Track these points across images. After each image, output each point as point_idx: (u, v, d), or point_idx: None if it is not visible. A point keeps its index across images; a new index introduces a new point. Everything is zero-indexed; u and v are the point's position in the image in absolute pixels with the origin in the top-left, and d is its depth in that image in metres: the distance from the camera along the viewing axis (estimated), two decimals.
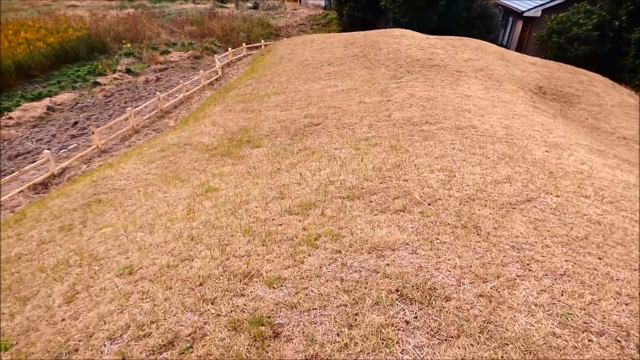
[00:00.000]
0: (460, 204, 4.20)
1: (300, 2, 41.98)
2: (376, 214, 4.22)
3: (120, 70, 21.11)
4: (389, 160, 6.01)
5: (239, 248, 3.94)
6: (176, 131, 12.11)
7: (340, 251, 3.56)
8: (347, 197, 4.82)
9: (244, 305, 2.99)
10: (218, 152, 9.18)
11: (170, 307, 3.12)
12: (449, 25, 19.91)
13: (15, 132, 14.34)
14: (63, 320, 3.38)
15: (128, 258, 4.36)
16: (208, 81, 19.29)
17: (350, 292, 2.96)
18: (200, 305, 3.07)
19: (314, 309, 2.85)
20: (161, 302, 3.23)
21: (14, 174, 10.50)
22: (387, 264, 3.26)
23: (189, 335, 2.76)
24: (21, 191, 10.06)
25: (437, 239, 3.59)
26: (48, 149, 12.43)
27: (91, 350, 2.82)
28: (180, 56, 24.54)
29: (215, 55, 23.97)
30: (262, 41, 25.23)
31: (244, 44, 24.89)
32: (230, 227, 4.53)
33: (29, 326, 3.48)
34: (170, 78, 20.96)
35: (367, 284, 3.03)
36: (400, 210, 4.20)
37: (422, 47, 14.47)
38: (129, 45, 24.27)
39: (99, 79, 19.83)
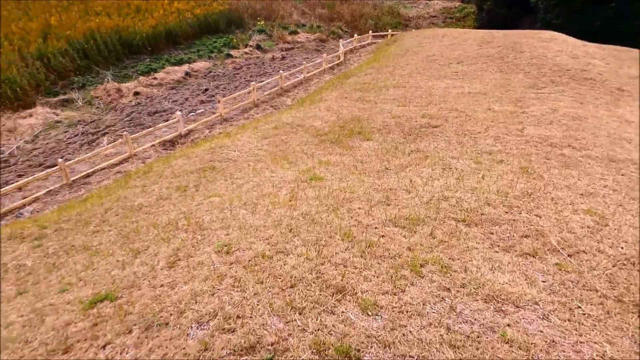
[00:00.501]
0: (614, 266, 3.34)
1: None
2: (497, 252, 3.58)
3: (251, 46, 22.42)
4: (518, 185, 5.17)
5: (336, 254, 3.68)
6: (292, 111, 12.37)
7: (449, 289, 3.06)
8: (462, 220, 4.23)
9: (333, 326, 2.72)
10: (328, 138, 9.07)
11: (257, 305, 3.00)
12: (617, 31, 16.83)
13: (157, 91, 16.14)
14: (162, 286, 3.51)
15: (228, 235, 4.42)
16: (329, 65, 19.42)
17: (458, 348, 2.49)
18: (287, 312, 2.89)
19: (410, 356, 2.45)
20: (251, 295, 3.13)
21: (149, 128, 11.82)
22: (508, 324, 2.68)
23: (272, 345, 2.59)
24: (153, 145, 11.26)
25: (579, 307, 2.87)
26: (180, 111, 13.74)
27: (179, 329, 2.83)
28: (307, 38, 25.15)
29: (340, 40, 24.03)
30: (389, 30, 24.52)
31: (370, 31, 24.48)
32: (330, 226, 4.31)
33: (134, 282, 3.70)
34: (295, 58, 21.62)
35: (479, 343, 2.52)
36: (529, 255, 3.50)
37: (575, 55, 12.45)
38: (262, 22, 25.63)
39: (232, 52, 21.31)
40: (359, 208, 4.82)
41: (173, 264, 3.92)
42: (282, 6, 29.19)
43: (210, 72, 18.79)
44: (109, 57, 17.87)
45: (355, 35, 23.22)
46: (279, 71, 17.32)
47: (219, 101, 13.54)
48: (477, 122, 8.62)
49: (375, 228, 4.23)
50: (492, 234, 3.91)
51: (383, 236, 4.03)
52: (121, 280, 3.83)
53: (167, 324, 2.88)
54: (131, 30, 19.10)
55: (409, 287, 3.10)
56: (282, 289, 3.18)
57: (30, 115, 12.91)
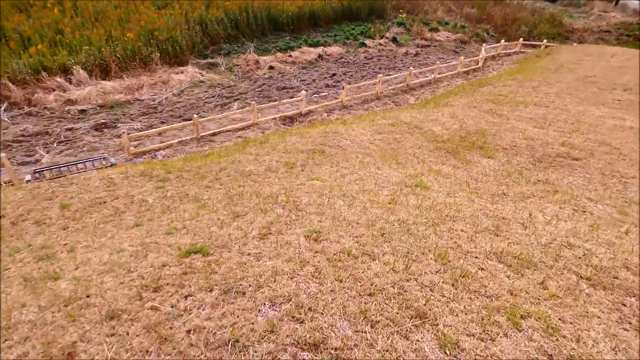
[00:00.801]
0: None
1: (616, 3, 34.24)
2: (627, 330, 2.90)
3: (387, 37, 22.12)
4: None
5: (425, 274, 3.38)
6: (412, 110, 11.90)
7: (551, 356, 2.57)
8: (587, 278, 3.53)
9: (403, 352, 2.49)
10: (444, 146, 8.50)
11: (331, 303, 2.90)
12: None
13: (289, 68, 16.96)
14: (249, 254, 3.64)
15: (320, 222, 4.41)
16: (464, 69, 18.18)
17: None
18: (359, 321, 2.74)
19: None
20: (327, 291, 3.05)
21: (275, 102, 12.51)
22: None
23: (335, 350, 2.48)
24: (274, 118, 11.92)
25: None
26: (305, 90, 14.26)
27: (253, 302, 2.89)
28: (447, 37, 23.87)
29: (484, 44, 22.27)
30: (544, 41, 21.90)
31: (521, 39, 22.19)
32: (425, 242, 3.99)
33: (226, 244, 3.91)
34: (429, 56, 20.73)
35: None
36: None
37: None
38: (404, 15, 25.04)
39: (367, 41, 21.30)
40: (462, 230, 4.38)
41: (264, 237, 4.04)
42: (428, 1, 28.12)
43: (342, 58, 19.08)
44: (255, 31, 19.31)
45: (502, 41, 21.27)
46: (409, 67, 16.80)
47: (343, 87, 13.68)
48: (632, 164, 7.21)
49: (476, 258, 3.79)
50: (625, 305, 3.19)
51: (483, 269, 3.59)
52: (216, 238, 4.08)
53: (244, 293, 2.96)
54: (280, 8, 20.32)
55: (501, 337, 2.69)
56: (360, 294, 3.03)
57: (182, 72, 14.67)
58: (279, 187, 5.94)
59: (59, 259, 4.09)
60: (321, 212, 4.71)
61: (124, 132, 9.02)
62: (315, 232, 4.06)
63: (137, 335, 2.50)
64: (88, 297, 3.02)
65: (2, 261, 4.38)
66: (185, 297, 2.90)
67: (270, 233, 4.14)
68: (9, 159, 9.06)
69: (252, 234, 4.13)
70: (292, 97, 13.90)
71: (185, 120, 11.63)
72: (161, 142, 10.11)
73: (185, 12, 17.44)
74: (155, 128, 10.97)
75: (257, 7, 19.40)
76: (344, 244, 3.80)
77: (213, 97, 13.49)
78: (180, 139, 10.18)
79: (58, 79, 12.42)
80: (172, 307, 2.79)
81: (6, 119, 11.04)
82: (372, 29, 22.66)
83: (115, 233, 4.73)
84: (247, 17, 18.81)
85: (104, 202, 5.83)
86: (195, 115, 10.13)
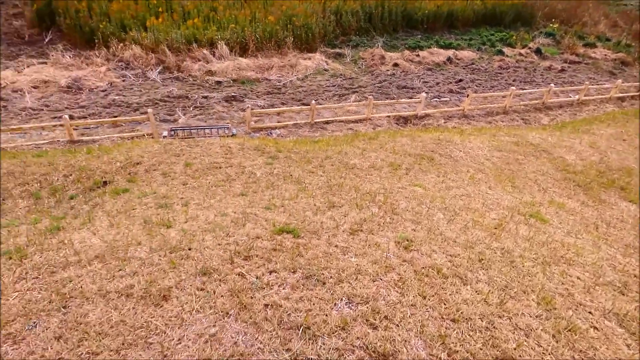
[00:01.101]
0: None
1: None
2: None
3: (529, 48, 20.04)
4: None
5: (522, 315, 3.00)
6: (543, 132, 10.65)
7: None
8: None
9: None
10: (575, 178, 7.45)
11: (409, 317, 2.75)
12: None
13: (414, 68, 16.49)
14: (336, 246, 3.65)
15: (415, 231, 4.21)
16: (619, 94, 15.61)
17: None
18: (436, 345, 2.55)
19: None
20: (407, 303, 2.90)
21: (392, 100, 12.31)
22: None
23: None
24: (388, 116, 11.74)
25: None
26: (426, 93, 13.74)
27: (331, 295, 2.88)
28: (605, 55, 20.70)
29: None
30: None
31: None
32: (530, 280, 3.54)
33: (317, 231, 3.98)
34: (576, 74, 18.26)
35: None
36: None
37: None
38: (555, 25, 22.35)
39: (505, 49, 19.58)
40: (579, 278, 3.79)
41: (354, 232, 4.01)
42: (589, 12, 24.65)
43: (473, 64, 17.89)
44: (387, 26, 19.15)
45: None
46: (549, 84, 15.02)
47: (467, 95, 12.84)
48: None
49: (590, 313, 3.24)
50: None
51: (596, 328, 3.05)
52: (309, 223, 4.18)
53: (324, 283, 2.98)
54: (417, 5, 19.79)
55: None
56: (442, 317, 2.81)
57: (309, 59, 15.29)
58: (379, 186, 5.84)
59: (174, 210, 4.61)
60: (417, 221, 4.50)
61: (248, 107, 9.77)
62: (407, 240, 3.89)
63: (221, 296, 2.70)
64: (189, 249, 3.34)
65: (131, 201, 5.12)
66: (270, 272, 3.03)
67: (361, 230, 4.09)
68: (155, 114, 10.52)
69: (343, 226, 4.13)
70: (410, 98, 13.52)
71: (303, 104, 12.13)
72: (278, 122, 10.71)
73: (324, 1, 18.05)
74: (276, 108, 11.65)
75: (394, 3, 19.18)
76: (436, 260, 3.57)
77: (333, 86, 13.81)
78: (295, 122, 10.66)
79: (204, 51, 13.96)
80: (256, 278, 2.93)
81: (158, 80, 12.80)
82: (515, 37, 20.73)
83: (223, 197, 5.17)
84: (382, 12, 18.73)
85: (219, 168, 6.41)
86: (313, 102, 10.49)
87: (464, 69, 17.42)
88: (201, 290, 2.76)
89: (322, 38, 16.86)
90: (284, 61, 14.74)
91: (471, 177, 6.86)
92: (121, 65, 13.42)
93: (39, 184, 6.04)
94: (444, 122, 12.45)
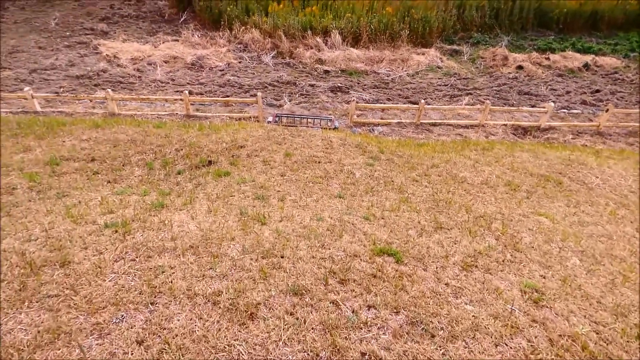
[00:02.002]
0: None
1: None
2: None
3: None
4: None
5: None
6: None
7: None
8: None
9: None
10: None
11: None
12: None
13: (542, 73, 14.54)
14: (446, 284, 3.08)
15: (544, 278, 3.43)
16: None
17: None
18: None
19: None
20: None
21: (511, 107, 10.92)
22: None
23: None
24: (504, 125, 10.44)
25: None
26: (553, 102, 12.00)
27: (441, 354, 2.35)
28: None
29: None
30: None
31: None
32: None
33: (423, 258, 3.44)
34: None
35: None
36: None
37: None
38: None
39: None
40: None
41: (467, 267, 3.39)
42: None
43: (616, 72, 15.21)
44: (515, 23, 17.20)
45: None
46: None
47: (607, 110, 10.87)
48: None
49: None
50: None
51: None
52: (413, 246, 3.65)
53: (433, 336, 2.45)
54: (554, 2, 17.40)
55: None
56: None
57: (423, 54, 14.36)
58: (494, 210, 5.04)
59: (270, 204, 4.42)
60: (547, 265, 3.69)
61: (353, 100, 9.39)
62: (537, 291, 3.15)
63: (312, 329, 2.35)
64: (282, 257, 3.06)
65: (231, 186, 5.08)
66: (369, 307, 2.60)
67: (475, 266, 3.45)
68: (263, 98, 10.73)
69: (454, 257, 3.53)
70: (532, 106, 11.93)
71: (410, 102, 11.39)
72: (381, 118, 10.17)
73: None
74: (381, 103, 11.10)
75: None
76: (576, 327, 2.81)
77: (445, 85, 12.77)
78: (399, 120, 10.01)
79: (318, 39, 13.89)
80: (353, 312, 2.53)
81: (270, 65, 13.07)
82: None
83: (320, 197, 4.86)
84: (511, 8, 16.83)
85: (318, 162, 6.14)
86: (422, 101, 9.71)
87: (603, 78, 14.92)
88: (291, 314, 2.45)
89: (439, 33, 15.73)
90: (395, 55, 14.04)
91: (611, 213, 5.63)
92: (240, 48, 13.98)
93: (154, 155, 6.38)
94: (572, 139, 10.73)
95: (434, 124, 10.08)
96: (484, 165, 6.96)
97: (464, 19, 16.48)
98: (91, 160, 5.92)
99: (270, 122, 8.38)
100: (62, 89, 10.39)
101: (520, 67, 14.58)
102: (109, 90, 9.23)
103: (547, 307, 2.97)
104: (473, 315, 2.68)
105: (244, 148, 6.40)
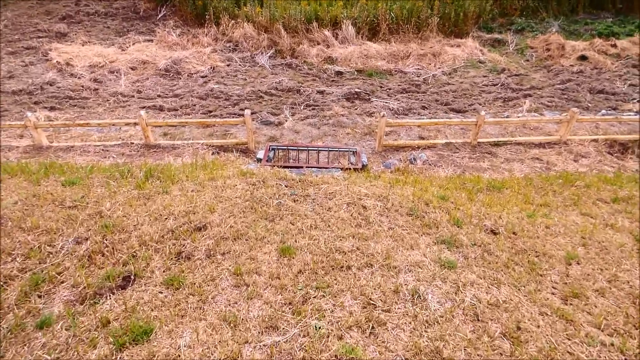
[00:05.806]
0: None
1: None
2: None
3: None
4: None
5: None
6: None
7: None
8: None
9: None
10: None
11: None
12: None
13: (611, 64, 11.50)
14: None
15: None
16: None
17: None
18: None
19: None
20: None
21: (587, 109, 7.95)
22: None
23: None
24: (595, 140, 7.49)
25: None
26: (638, 102, 9.04)
27: None
28: None
29: None
30: None
31: None
32: None
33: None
34: None
35: None
36: None
37: None
38: None
39: None
40: None
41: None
42: None
43: None
44: (563, 4, 14.14)
45: None
46: None
47: None
48: None
49: None
50: None
51: None
52: None
53: None
54: None
55: None
56: None
57: (459, 46, 11.42)
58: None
59: None
60: None
61: (383, 116, 6.50)
62: None
63: None
64: None
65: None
66: None
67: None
68: (255, 112, 7.94)
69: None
70: (614, 109, 8.98)
71: (453, 110, 8.51)
72: (420, 138, 7.31)
73: None
74: (414, 113, 8.26)
75: None
76: None
77: (494, 85, 9.84)
78: (447, 140, 7.14)
79: (326, 32, 11.04)
80: None
81: (267, 67, 10.28)
82: None
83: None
84: None
85: (347, 268, 3.27)
86: (482, 112, 6.77)
87: None
88: None
89: (475, 19, 12.76)
90: (424, 48, 11.12)
91: None
92: (229, 47, 11.20)
93: (22, 262, 3.61)
94: None
95: (496, 144, 7.18)
96: (604, 231, 4.07)
97: (502, 2, 13.49)
98: None
99: (260, 160, 5.48)
100: None
101: (583, 58, 11.53)
102: (32, 114, 6.53)
103: None
104: None
105: (205, 231, 3.57)
